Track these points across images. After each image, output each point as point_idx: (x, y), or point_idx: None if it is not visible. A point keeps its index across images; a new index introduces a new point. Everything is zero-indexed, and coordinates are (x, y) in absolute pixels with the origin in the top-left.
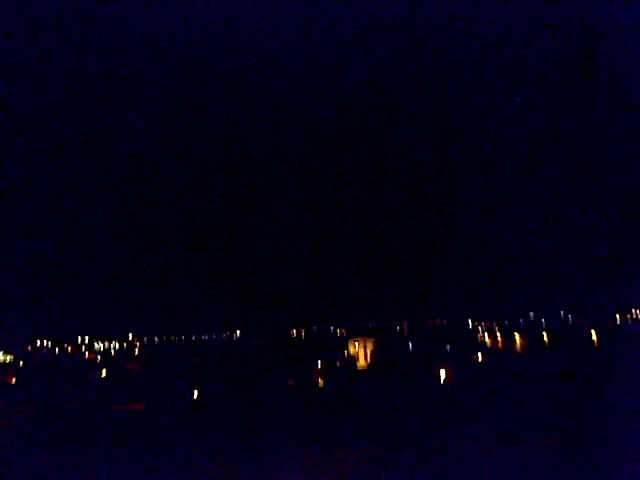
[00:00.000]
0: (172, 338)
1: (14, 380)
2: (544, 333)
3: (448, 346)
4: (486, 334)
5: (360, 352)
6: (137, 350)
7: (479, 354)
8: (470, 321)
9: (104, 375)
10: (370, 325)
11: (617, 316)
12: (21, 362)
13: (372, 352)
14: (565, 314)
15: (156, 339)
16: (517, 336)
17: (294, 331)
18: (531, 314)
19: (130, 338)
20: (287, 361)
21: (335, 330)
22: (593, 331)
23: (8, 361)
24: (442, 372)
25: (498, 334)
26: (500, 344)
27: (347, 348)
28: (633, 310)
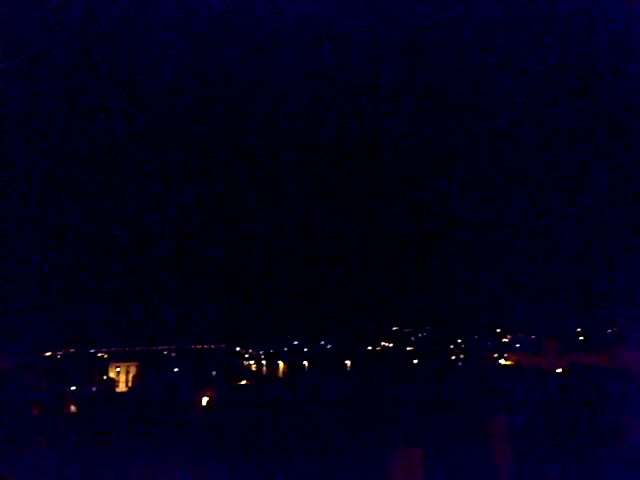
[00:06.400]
0: None
1: None
2: None
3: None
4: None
5: (122, 377)
6: None
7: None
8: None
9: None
10: (135, 349)
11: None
12: None
13: (134, 377)
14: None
15: None
16: (280, 363)
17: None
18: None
19: None
20: None
21: (95, 353)
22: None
23: None
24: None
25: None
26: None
27: (107, 373)
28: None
